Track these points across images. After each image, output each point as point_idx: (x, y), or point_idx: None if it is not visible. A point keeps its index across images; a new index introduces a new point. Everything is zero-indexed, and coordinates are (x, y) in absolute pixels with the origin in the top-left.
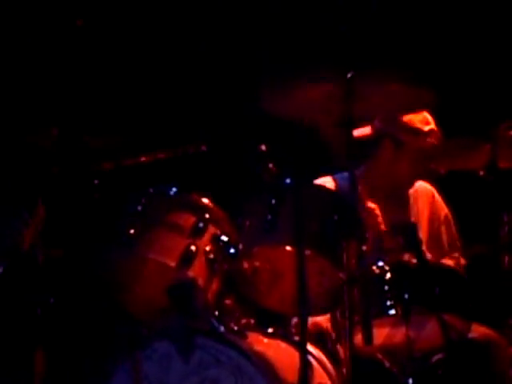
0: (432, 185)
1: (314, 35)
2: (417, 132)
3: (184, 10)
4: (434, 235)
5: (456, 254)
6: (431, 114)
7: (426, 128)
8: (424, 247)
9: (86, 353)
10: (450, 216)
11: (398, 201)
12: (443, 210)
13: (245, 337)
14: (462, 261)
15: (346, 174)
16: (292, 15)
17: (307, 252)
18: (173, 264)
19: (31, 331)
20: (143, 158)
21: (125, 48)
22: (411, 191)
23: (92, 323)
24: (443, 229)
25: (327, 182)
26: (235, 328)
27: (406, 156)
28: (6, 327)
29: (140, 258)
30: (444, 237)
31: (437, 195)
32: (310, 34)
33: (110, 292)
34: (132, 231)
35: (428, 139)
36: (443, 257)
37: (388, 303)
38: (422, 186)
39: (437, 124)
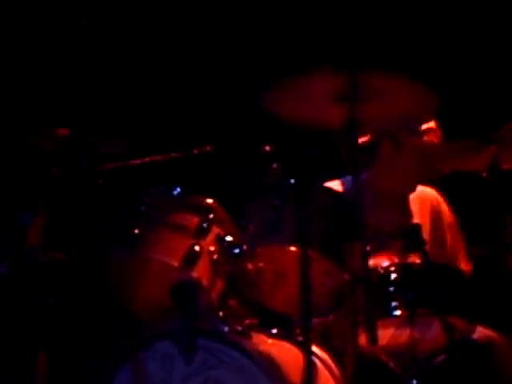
0: (438, 191)
1: (316, 34)
2: (414, 130)
3: (184, 10)
4: (437, 240)
5: (458, 260)
6: (434, 116)
7: (423, 126)
8: (428, 249)
9: (88, 353)
10: (455, 222)
11: (400, 203)
12: (448, 215)
13: (249, 337)
14: (467, 266)
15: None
16: (295, 13)
17: (311, 252)
18: (176, 264)
19: (33, 332)
20: (147, 159)
21: (130, 49)
22: (413, 196)
23: (94, 324)
24: (448, 234)
25: (335, 185)
26: (239, 328)
27: (405, 156)
28: (7, 328)
29: (144, 258)
30: (448, 242)
31: (442, 201)
32: (313, 32)
33: (112, 292)
34: (136, 231)
35: (425, 137)
36: (447, 260)
37: (392, 304)
38: (424, 191)
39: (437, 123)
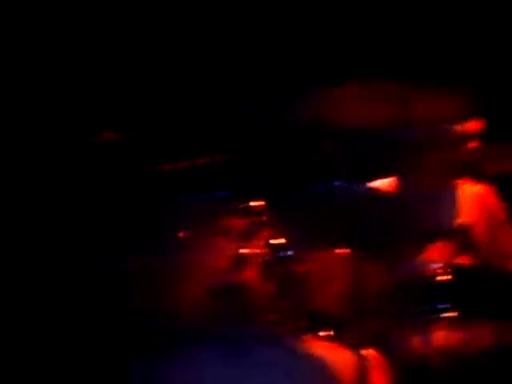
0: (490, 188)
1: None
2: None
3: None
4: (489, 238)
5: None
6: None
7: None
8: (479, 250)
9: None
10: (507, 219)
11: (446, 201)
12: (500, 212)
13: (300, 340)
14: None
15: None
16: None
17: (360, 254)
18: (225, 267)
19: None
20: (193, 162)
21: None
22: (465, 192)
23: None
24: (499, 232)
25: (389, 182)
26: (290, 331)
27: (446, 155)
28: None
29: (191, 261)
30: (500, 240)
31: (494, 197)
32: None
33: (160, 298)
34: (183, 235)
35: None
36: (499, 261)
37: (442, 306)
38: (476, 187)
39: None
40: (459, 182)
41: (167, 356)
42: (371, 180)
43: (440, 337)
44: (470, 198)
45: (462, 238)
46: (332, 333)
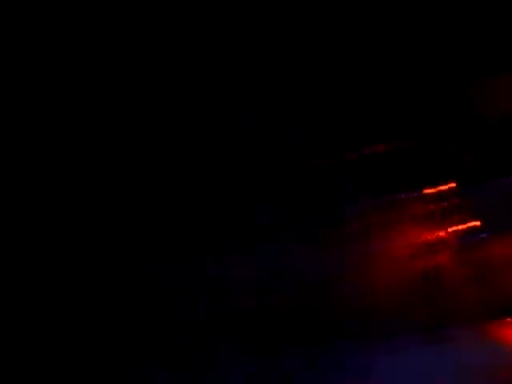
0: None
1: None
2: None
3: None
4: None
5: None
6: None
7: None
8: None
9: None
10: None
11: None
12: None
13: (495, 325)
14: None
15: None
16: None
17: None
18: (417, 254)
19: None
20: (382, 148)
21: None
22: None
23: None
24: None
25: None
26: (485, 316)
27: None
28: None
29: (382, 250)
30: None
31: None
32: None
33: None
34: (369, 224)
35: None
36: None
37: None
38: None
39: None
40: None
41: (366, 345)
42: None
43: None
44: None
45: None
46: None
